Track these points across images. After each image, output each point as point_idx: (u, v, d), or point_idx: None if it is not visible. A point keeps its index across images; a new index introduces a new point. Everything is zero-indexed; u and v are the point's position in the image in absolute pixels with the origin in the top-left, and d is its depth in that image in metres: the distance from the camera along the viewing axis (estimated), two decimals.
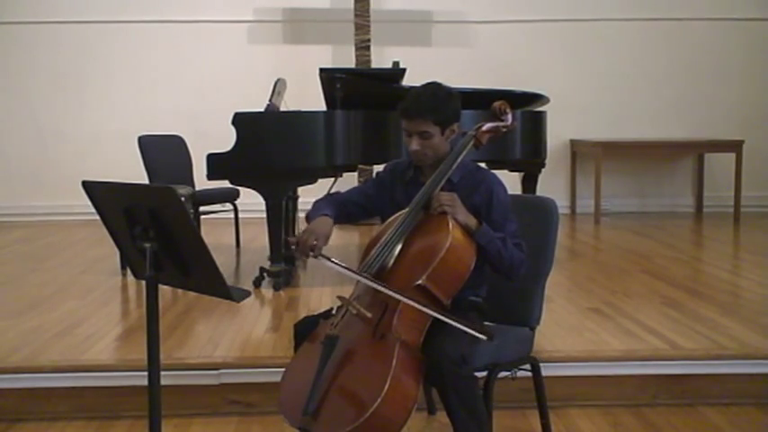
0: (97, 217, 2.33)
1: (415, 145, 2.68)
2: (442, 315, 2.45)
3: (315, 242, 2.58)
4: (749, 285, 5.05)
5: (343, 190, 2.91)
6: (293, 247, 2.65)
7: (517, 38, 8.45)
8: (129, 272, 4.57)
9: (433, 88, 2.72)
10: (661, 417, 3.31)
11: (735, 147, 7.87)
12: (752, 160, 8.02)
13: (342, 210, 2.81)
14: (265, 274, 5.05)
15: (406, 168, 2.84)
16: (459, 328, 2.43)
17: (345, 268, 2.54)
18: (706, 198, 8.61)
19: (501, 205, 2.69)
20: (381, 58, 7.92)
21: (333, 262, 2.55)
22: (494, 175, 2.78)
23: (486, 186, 2.70)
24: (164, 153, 6.33)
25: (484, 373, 2.66)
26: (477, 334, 2.44)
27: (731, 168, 7.89)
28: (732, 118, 8.54)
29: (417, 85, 2.77)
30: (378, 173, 2.97)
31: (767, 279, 5.13)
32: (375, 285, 2.48)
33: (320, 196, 2.86)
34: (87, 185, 2.26)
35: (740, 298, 4.79)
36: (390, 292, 2.45)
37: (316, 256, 2.57)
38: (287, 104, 5.67)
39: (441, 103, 2.67)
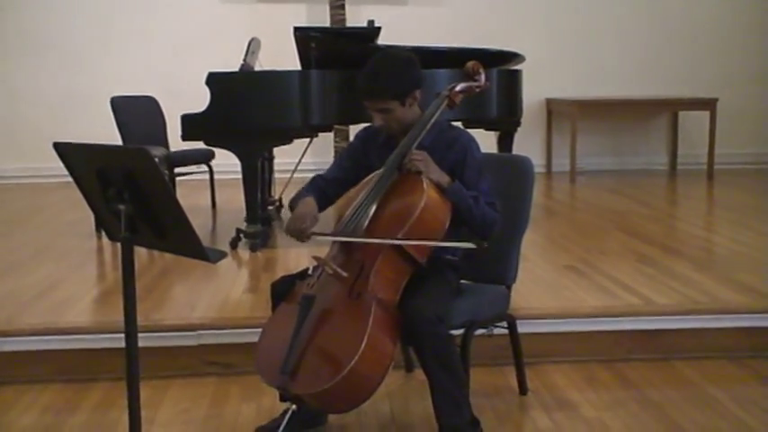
0: (71, 179, 2.30)
1: (378, 120, 2.70)
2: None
3: (303, 226, 2.59)
4: (722, 242, 5.12)
5: (318, 150, 2.90)
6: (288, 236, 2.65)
7: None
8: (104, 234, 4.56)
9: (388, 63, 2.69)
10: (635, 371, 3.36)
11: (709, 105, 7.91)
12: (726, 118, 8.06)
13: (323, 194, 2.79)
14: (242, 236, 5.03)
15: (378, 132, 2.82)
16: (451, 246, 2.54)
17: (340, 236, 2.57)
18: (680, 156, 8.66)
19: (475, 164, 2.69)
20: (356, 17, 7.83)
21: (326, 235, 2.59)
22: (467, 133, 2.78)
23: (460, 145, 2.70)
24: (137, 114, 6.26)
25: (461, 331, 2.68)
26: (468, 245, 2.52)
27: (705, 126, 7.93)
28: (706, 76, 8.56)
29: (392, 44, 2.75)
30: (350, 142, 2.96)
31: (740, 235, 5.19)
32: (372, 241, 2.50)
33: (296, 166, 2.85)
34: (59, 147, 2.22)
35: (713, 254, 4.85)
36: (388, 241, 2.48)
37: (308, 238, 2.59)
38: (261, 64, 5.61)
39: (396, 78, 2.65)
